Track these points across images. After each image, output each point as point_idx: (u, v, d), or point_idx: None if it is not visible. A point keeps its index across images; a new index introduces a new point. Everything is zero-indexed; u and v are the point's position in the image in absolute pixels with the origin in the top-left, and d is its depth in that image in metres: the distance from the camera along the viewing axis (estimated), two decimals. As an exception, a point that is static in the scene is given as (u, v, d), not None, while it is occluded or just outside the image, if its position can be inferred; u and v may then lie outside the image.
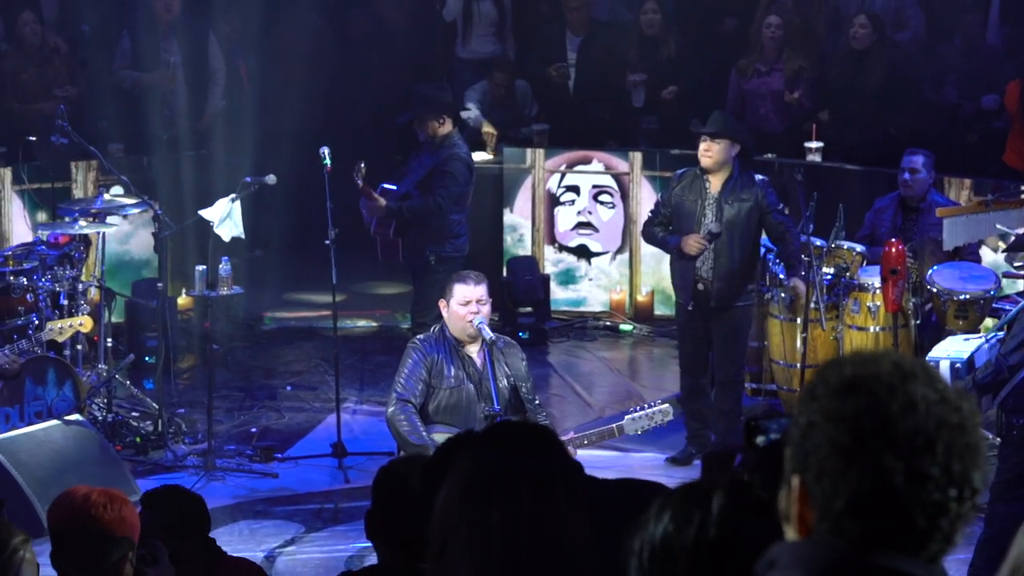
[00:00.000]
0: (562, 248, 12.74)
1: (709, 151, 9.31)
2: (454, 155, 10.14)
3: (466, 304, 7.64)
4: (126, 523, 4.32)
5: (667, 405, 7.79)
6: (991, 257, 10.33)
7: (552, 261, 12.71)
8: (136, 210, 10.44)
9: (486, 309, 7.73)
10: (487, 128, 12.76)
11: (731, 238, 9.31)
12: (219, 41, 12.91)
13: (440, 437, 7.46)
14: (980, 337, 7.85)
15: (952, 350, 7.78)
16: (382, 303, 12.90)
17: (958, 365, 7.52)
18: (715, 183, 9.36)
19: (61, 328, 9.18)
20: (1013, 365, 7.32)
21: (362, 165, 9.92)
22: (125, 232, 11.78)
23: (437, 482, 3.03)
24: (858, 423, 2.03)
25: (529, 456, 3.03)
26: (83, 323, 9.30)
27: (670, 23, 13.07)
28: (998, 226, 9.24)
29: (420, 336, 7.82)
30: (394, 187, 10.21)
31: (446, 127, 10.19)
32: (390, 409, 7.61)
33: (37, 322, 9.27)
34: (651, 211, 9.87)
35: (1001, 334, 7.59)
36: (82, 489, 4.48)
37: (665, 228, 9.53)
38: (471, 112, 12.86)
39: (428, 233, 10.14)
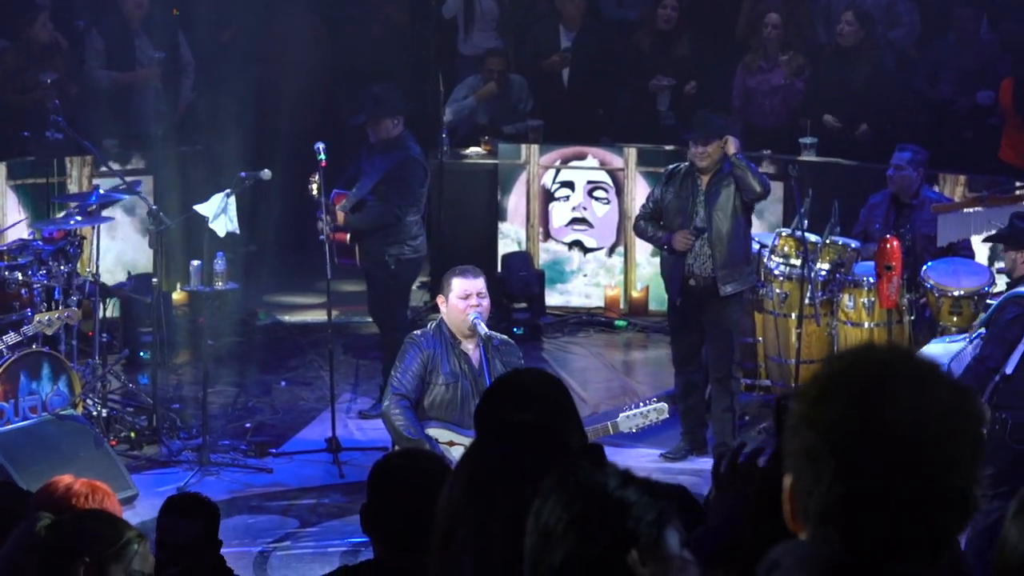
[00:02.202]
0: (554, 241, 12.72)
1: (705, 154, 9.34)
2: (408, 158, 10.11)
3: (466, 297, 7.62)
4: None
5: (662, 404, 7.78)
6: (984, 252, 10.32)
7: (546, 256, 12.70)
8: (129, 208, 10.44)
9: (486, 303, 7.71)
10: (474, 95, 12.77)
11: (723, 223, 9.34)
12: (186, 35, 12.84)
13: (435, 432, 7.46)
14: (963, 340, 7.86)
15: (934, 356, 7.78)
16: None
17: None
18: (705, 179, 9.40)
19: (49, 320, 9.11)
20: (993, 368, 7.40)
21: (315, 178, 9.85)
22: (120, 227, 11.78)
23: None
24: (828, 435, 2.03)
25: (533, 447, 3.03)
26: (70, 315, 9.24)
27: (686, 19, 13.00)
28: (992, 222, 9.25)
29: (417, 332, 7.82)
30: (347, 192, 10.16)
31: (399, 128, 10.16)
32: (385, 404, 7.60)
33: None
34: (643, 206, 9.90)
35: (983, 331, 7.64)
36: (66, 479, 4.49)
37: (655, 224, 9.55)
38: (449, 115, 12.76)
39: (386, 237, 10.09)
